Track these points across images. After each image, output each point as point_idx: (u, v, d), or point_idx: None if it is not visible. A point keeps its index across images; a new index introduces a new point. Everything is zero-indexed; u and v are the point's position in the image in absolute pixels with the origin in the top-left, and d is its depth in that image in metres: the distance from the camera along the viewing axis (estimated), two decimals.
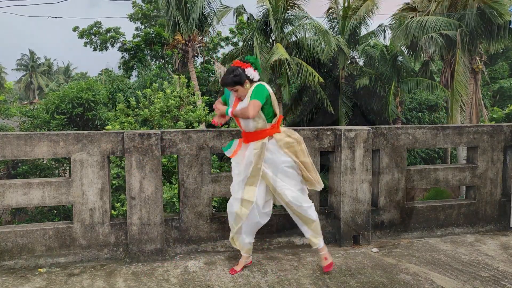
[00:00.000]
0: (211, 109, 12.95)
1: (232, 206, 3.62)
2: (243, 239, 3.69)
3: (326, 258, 3.73)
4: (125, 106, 11.38)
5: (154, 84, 12.28)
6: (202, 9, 19.41)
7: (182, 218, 4.18)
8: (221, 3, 20.34)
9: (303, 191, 3.68)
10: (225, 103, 3.73)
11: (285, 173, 3.57)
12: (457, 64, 18.05)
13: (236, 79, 3.45)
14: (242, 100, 3.54)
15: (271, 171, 3.56)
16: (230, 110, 3.51)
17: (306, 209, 3.63)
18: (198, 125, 11.39)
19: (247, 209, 3.54)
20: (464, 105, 18.82)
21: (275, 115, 3.58)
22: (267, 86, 3.51)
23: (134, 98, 11.87)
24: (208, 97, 13.24)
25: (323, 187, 3.74)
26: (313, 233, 3.71)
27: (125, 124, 10.47)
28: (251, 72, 3.48)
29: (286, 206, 3.65)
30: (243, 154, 3.61)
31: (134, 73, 30.57)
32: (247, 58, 3.56)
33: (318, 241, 3.72)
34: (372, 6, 20.89)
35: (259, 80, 3.56)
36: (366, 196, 4.42)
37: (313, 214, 3.67)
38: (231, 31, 28.10)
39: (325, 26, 20.29)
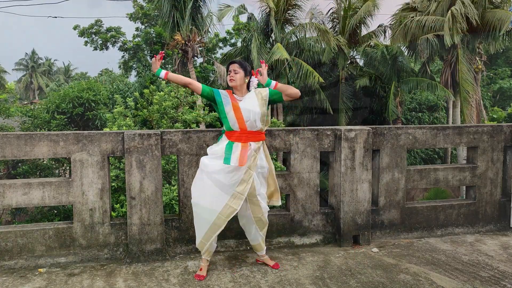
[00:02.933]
0: (211, 109, 12.92)
1: (209, 215, 3.53)
2: (211, 244, 3.68)
3: (271, 259, 3.88)
4: (123, 108, 11.36)
5: (152, 85, 12.25)
6: (198, 7, 19.39)
7: (182, 218, 4.18)
8: (219, 4, 20.35)
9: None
10: (211, 98, 3.65)
11: (261, 178, 3.65)
12: (460, 63, 18.05)
13: (248, 67, 3.68)
14: (240, 100, 3.60)
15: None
16: (274, 83, 3.59)
17: (266, 214, 3.74)
18: (197, 126, 11.35)
19: (226, 217, 3.52)
20: (459, 104, 18.85)
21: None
22: None
23: (132, 99, 11.85)
24: None
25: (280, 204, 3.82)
26: (263, 236, 3.80)
27: (124, 127, 10.45)
28: (254, 80, 3.68)
29: (251, 212, 3.67)
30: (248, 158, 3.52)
31: (134, 73, 30.59)
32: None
33: (264, 246, 3.85)
34: (373, 6, 20.89)
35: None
36: (366, 196, 4.42)
37: (266, 217, 3.77)
38: (228, 32, 28.09)
39: (325, 26, 20.29)
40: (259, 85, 3.68)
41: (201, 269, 3.67)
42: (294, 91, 3.55)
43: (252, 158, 3.53)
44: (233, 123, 3.54)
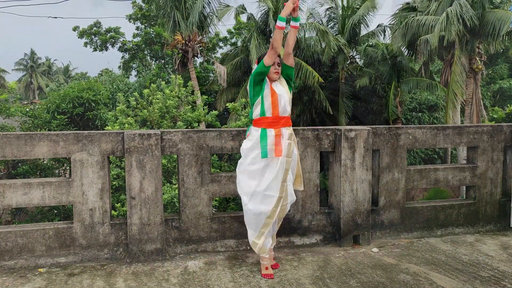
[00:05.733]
0: (211, 109, 12.92)
1: (264, 206, 3.49)
2: (268, 241, 3.65)
3: (267, 268, 3.69)
4: (125, 106, 11.38)
5: (152, 84, 12.26)
6: (202, 8, 19.41)
7: (182, 218, 4.18)
8: (220, 3, 20.28)
9: None
10: (266, 72, 3.57)
11: (293, 165, 3.67)
12: (455, 64, 18.06)
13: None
14: (273, 82, 3.61)
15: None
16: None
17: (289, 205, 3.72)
18: (198, 125, 11.37)
19: (277, 207, 3.52)
20: (459, 105, 18.84)
21: None
22: None
23: (134, 98, 11.86)
24: (207, 97, 13.22)
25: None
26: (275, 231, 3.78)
27: (126, 125, 10.46)
28: None
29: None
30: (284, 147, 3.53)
31: (134, 73, 30.60)
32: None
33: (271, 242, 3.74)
34: (372, 6, 20.88)
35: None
36: (366, 196, 4.42)
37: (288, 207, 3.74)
38: (229, 31, 28.10)
39: (325, 26, 20.28)
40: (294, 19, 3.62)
41: (266, 268, 3.64)
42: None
43: (288, 147, 3.54)
44: (267, 108, 3.52)
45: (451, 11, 16.89)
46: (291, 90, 3.71)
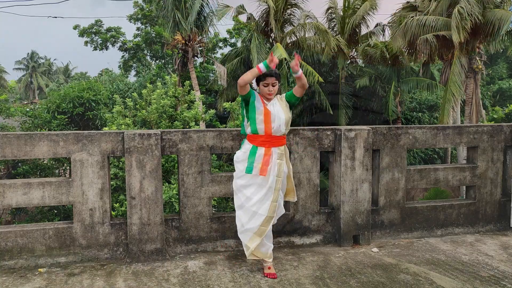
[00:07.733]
0: (208, 107, 12.87)
1: (251, 223, 3.55)
2: (268, 247, 3.66)
3: (270, 267, 3.70)
4: (122, 107, 11.37)
5: (149, 85, 12.21)
6: (201, 8, 19.44)
7: (182, 218, 4.18)
8: (218, 4, 20.30)
9: None
10: (247, 96, 3.60)
11: (283, 183, 3.73)
12: (454, 64, 18.06)
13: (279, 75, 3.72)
14: (268, 101, 3.61)
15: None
16: (300, 72, 3.59)
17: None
18: (195, 125, 11.32)
19: (267, 227, 3.57)
20: (458, 105, 18.81)
21: None
22: None
23: (131, 99, 11.84)
24: (202, 96, 13.20)
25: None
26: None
27: (123, 126, 10.45)
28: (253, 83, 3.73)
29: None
30: (272, 167, 3.56)
31: (133, 72, 30.61)
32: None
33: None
34: (372, 5, 20.88)
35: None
36: (366, 196, 4.42)
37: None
38: (228, 31, 28.10)
39: (324, 26, 20.28)
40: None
41: (269, 268, 3.66)
42: (306, 81, 3.70)
43: (278, 166, 3.58)
44: (260, 127, 3.54)
45: (462, 7, 16.85)
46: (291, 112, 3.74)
